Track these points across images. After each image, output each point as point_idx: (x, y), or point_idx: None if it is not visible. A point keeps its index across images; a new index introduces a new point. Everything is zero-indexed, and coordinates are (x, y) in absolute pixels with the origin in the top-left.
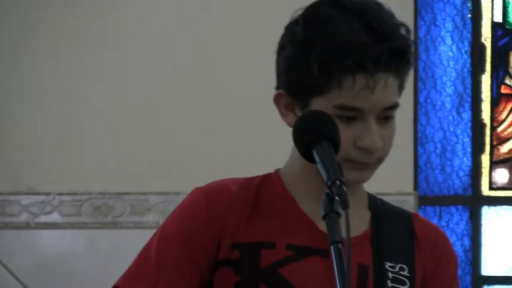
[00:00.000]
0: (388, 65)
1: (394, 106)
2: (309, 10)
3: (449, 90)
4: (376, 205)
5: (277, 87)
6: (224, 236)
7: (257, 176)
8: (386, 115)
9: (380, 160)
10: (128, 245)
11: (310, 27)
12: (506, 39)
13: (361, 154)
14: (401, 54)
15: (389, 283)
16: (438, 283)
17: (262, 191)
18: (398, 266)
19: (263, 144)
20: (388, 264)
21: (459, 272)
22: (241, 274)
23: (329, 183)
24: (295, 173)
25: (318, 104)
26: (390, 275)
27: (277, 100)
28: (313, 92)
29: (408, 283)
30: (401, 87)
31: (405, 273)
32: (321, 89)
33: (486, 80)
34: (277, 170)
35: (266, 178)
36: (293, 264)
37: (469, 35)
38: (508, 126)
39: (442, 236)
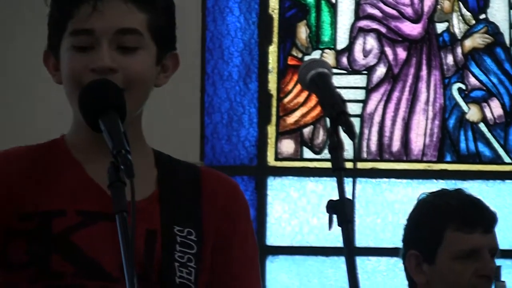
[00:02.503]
0: None
1: (130, 31)
2: None
3: (236, 60)
4: (163, 162)
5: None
6: (12, 206)
7: (42, 144)
8: (126, 45)
9: (129, 85)
10: None
11: None
12: (293, 11)
13: (93, 75)
14: None
15: (178, 247)
16: (233, 236)
17: (48, 158)
18: (186, 230)
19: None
20: (176, 228)
21: None
22: (33, 244)
23: (114, 152)
24: (81, 139)
25: (63, 43)
26: (179, 239)
27: (45, 60)
28: (59, 32)
29: (195, 247)
30: (152, 22)
31: (193, 237)
32: (62, 26)
33: (273, 51)
34: (63, 136)
35: (51, 145)
36: (84, 230)
37: (256, 6)
38: (294, 97)
39: (234, 187)
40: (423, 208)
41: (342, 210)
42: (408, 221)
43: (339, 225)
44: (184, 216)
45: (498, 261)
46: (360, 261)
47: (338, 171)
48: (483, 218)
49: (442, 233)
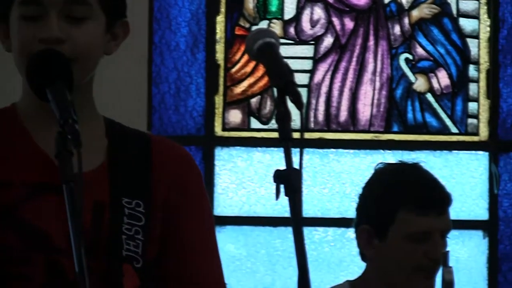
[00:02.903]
0: None
1: (79, 1)
2: None
3: (184, 30)
4: (114, 132)
5: None
6: None
7: None
8: (74, 15)
9: (76, 56)
10: None
11: None
12: None
13: (41, 45)
14: None
15: (125, 220)
16: (185, 207)
17: None
18: (134, 202)
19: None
20: (125, 200)
21: None
22: None
23: (62, 122)
24: (31, 108)
25: (13, 11)
26: (127, 211)
27: None
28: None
29: (143, 219)
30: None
31: (141, 209)
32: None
33: (220, 21)
34: (14, 104)
35: (0, 113)
36: (31, 202)
37: None
38: (242, 67)
39: (185, 156)
40: (379, 184)
41: (289, 180)
42: (362, 192)
43: (286, 195)
44: (133, 187)
45: None
46: (307, 231)
47: (285, 141)
48: (437, 201)
49: (395, 213)
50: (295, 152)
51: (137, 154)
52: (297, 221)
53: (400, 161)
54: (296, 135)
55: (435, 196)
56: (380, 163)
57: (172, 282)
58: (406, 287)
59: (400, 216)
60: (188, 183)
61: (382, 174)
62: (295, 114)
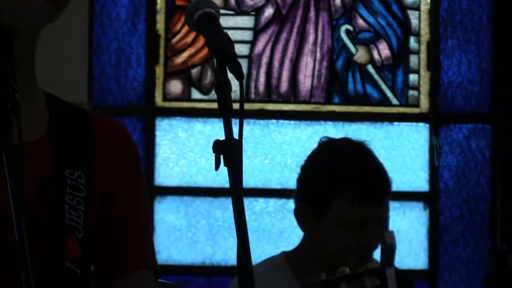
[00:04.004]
0: None
1: None
2: None
3: (124, 1)
4: (54, 105)
5: None
6: None
7: None
8: None
9: (17, 25)
10: None
11: None
12: None
13: None
14: None
15: (68, 190)
16: (122, 179)
17: None
18: (76, 174)
19: None
20: (67, 171)
21: None
22: None
23: (1, 91)
24: None
25: None
26: (69, 182)
27: None
28: None
29: (84, 190)
30: None
31: (82, 180)
32: None
33: None
34: None
35: None
36: None
37: None
38: (182, 38)
39: (124, 131)
40: (319, 166)
41: (228, 151)
42: (303, 168)
43: (225, 165)
44: (75, 159)
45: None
46: (248, 202)
47: (224, 112)
48: (374, 191)
49: (332, 199)
50: (235, 123)
51: (78, 128)
52: (236, 192)
53: (345, 138)
54: (236, 105)
55: (373, 187)
56: (324, 137)
57: (105, 258)
58: (340, 263)
59: (336, 202)
60: (127, 160)
61: (324, 154)
62: (235, 85)
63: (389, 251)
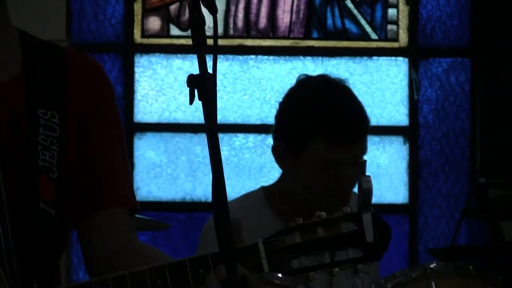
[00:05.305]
0: None
1: None
2: None
3: None
4: (28, 43)
5: None
6: None
7: None
8: None
9: None
10: None
11: None
12: None
13: None
14: None
15: (41, 130)
16: (98, 117)
17: None
18: (49, 113)
19: None
20: (40, 111)
21: None
22: None
23: None
24: None
25: None
26: (42, 122)
27: None
28: None
29: (58, 130)
30: None
31: (56, 120)
32: None
33: None
34: None
35: None
36: None
37: None
38: None
39: (99, 68)
40: (295, 107)
41: (202, 85)
42: (281, 106)
43: (199, 99)
44: (48, 98)
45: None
46: (227, 137)
47: (198, 46)
48: (350, 132)
49: (307, 141)
50: (211, 58)
51: (52, 66)
52: (211, 125)
53: (323, 76)
54: (210, 40)
55: (349, 129)
56: (303, 74)
57: (79, 196)
58: (316, 205)
59: (312, 144)
60: (101, 98)
61: (301, 95)
62: (210, 21)
63: (366, 196)
